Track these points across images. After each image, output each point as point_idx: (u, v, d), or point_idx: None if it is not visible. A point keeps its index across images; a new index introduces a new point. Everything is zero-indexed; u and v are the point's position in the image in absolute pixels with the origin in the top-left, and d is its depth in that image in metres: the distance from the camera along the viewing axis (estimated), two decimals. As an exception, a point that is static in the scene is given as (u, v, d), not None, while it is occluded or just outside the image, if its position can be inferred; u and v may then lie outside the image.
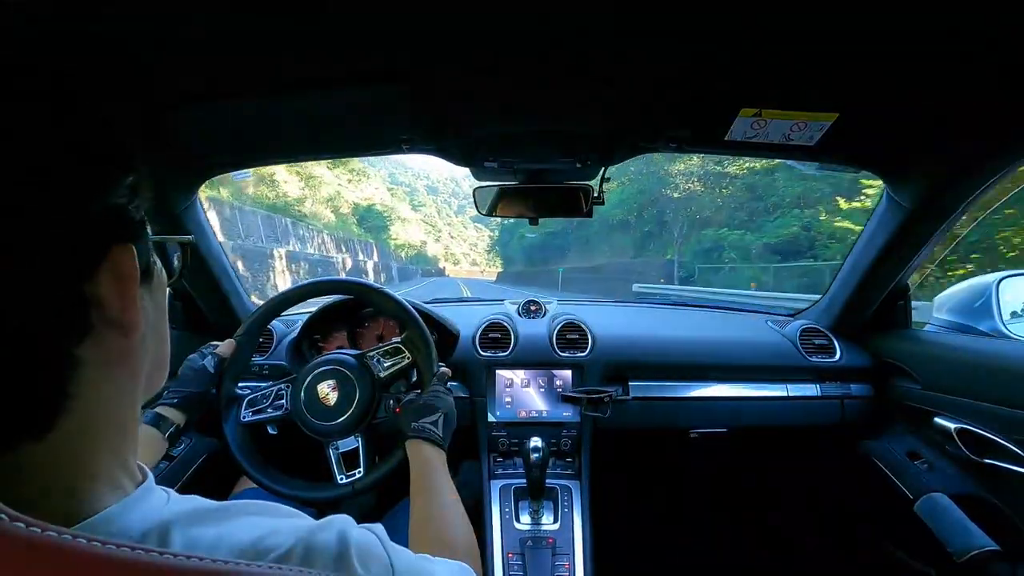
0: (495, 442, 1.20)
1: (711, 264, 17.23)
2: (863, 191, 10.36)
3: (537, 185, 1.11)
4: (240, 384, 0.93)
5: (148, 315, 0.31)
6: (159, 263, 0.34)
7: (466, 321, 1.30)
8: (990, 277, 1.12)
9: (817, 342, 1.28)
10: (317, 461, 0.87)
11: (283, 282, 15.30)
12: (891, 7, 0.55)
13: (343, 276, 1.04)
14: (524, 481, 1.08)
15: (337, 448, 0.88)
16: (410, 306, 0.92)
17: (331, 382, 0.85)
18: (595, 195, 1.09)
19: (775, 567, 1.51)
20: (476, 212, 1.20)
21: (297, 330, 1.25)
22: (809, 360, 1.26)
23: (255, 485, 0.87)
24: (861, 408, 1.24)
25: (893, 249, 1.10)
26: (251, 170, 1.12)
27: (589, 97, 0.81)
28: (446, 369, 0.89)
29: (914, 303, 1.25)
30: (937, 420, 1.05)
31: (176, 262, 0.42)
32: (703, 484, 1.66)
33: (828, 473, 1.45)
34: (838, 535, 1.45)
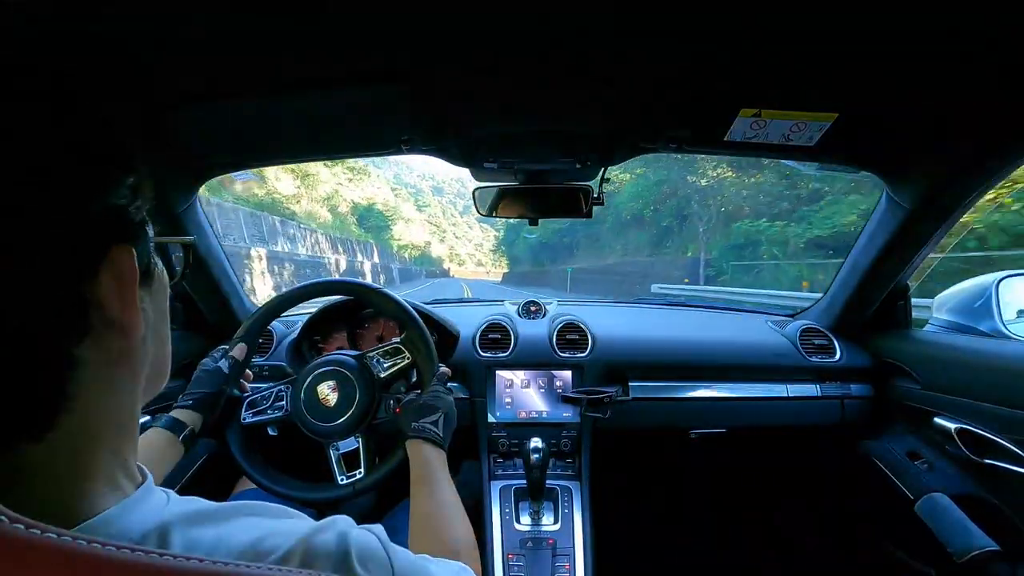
0: (495, 443, 1.19)
1: (745, 261, 14.92)
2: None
3: (537, 186, 1.11)
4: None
5: (148, 316, 0.31)
6: (160, 264, 0.34)
7: (466, 322, 1.30)
8: (990, 277, 1.12)
9: (817, 342, 1.28)
10: (317, 462, 0.87)
11: (261, 286, 14.15)
12: (891, 7, 0.55)
13: (344, 277, 1.04)
14: (524, 482, 1.08)
15: (337, 449, 0.87)
16: (409, 306, 0.92)
17: (331, 383, 0.85)
18: (595, 195, 1.09)
19: (775, 567, 1.51)
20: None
21: (297, 331, 1.25)
22: (809, 360, 1.26)
23: (255, 486, 0.87)
24: (861, 408, 1.24)
25: (893, 249, 1.10)
26: (252, 171, 1.12)
27: (589, 97, 0.81)
28: (446, 369, 0.89)
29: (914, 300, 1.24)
30: (937, 420, 1.05)
31: (177, 263, 0.42)
32: (703, 484, 1.66)
33: (828, 473, 1.45)
34: (838, 535, 1.45)
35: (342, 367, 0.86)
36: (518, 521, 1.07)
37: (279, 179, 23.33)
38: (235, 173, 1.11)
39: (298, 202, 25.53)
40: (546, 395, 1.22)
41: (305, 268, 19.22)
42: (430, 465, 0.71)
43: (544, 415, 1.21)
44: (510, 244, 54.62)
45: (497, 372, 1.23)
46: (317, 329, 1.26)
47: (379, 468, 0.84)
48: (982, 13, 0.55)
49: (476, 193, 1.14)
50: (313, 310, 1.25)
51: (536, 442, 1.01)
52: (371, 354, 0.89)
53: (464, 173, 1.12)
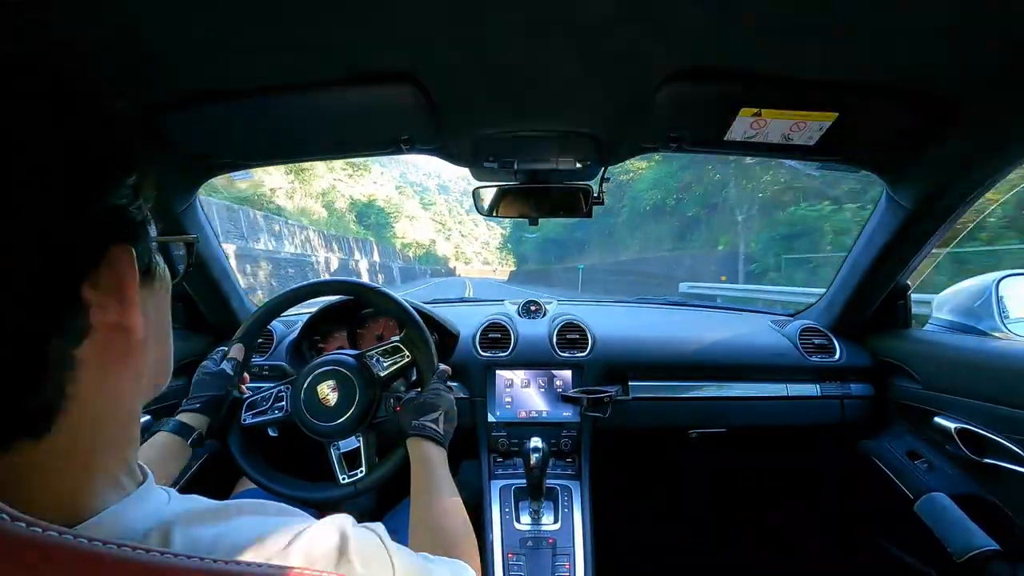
0: (495, 442, 1.19)
1: (797, 255, 12.03)
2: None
3: (537, 185, 1.11)
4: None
5: (149, 316, 0.31)
6: (162, 264, 0.34)
7: (466, 321, 1.30)
8: (990, 277, 1.12)
9: (817, 342, 1.28)
10: (318, 461, 0.87)
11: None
12: (891, 6, 0.55)
13: (344, 277, 1.04)
14: (524, 481, 1.08)
15: (338, 448, 0.87)
16: (409, 305, 0.92)
17: (331, 382, 0.85)
18: (595, 195, 1.09)
19: (775, 567, 1.51)
20: (486, 209, 1.08)
21: (297, 331, 1.25)
22: (809, 360, 1.26)
23: (256, 486, 0.87)
24: (861, 408, 1.24)
25: (893, 249, 1.10)
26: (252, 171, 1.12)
27: (589, 97, 0.81)
28: (446, 367, 0.89)
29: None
30: (937, 420, 1.05)
31: (179, 262, 0.42)
32: (703, 484, 1.66)
33: (828, 473, 1.45)
34: (838, 535, 1.45)
35: (342, 366, 0.86)
36: (518, 521, 1.07)
37: (268, 173, 21.05)
38: (235, 173, 1.11)
39: (290, 197, 24.33)
40: (546, 395, 1.22)
41: (288, 267, 17.21)
42: (431, 463, 0.71)
43: (544, 415, 1.21)
44: (516, 242, 52.28)
45: (497, 372, 1.24)
46: (317, 329, 1.26)
47: (380, 467, 0.84)
48: (982, 12, 0.55)
49: (476, 193, 1.14)
50: (313, 310, 1.26)
51: (536, 442, 1.01)
52: (371, 353, 0.89)
53: (469, 172, 1.12)
